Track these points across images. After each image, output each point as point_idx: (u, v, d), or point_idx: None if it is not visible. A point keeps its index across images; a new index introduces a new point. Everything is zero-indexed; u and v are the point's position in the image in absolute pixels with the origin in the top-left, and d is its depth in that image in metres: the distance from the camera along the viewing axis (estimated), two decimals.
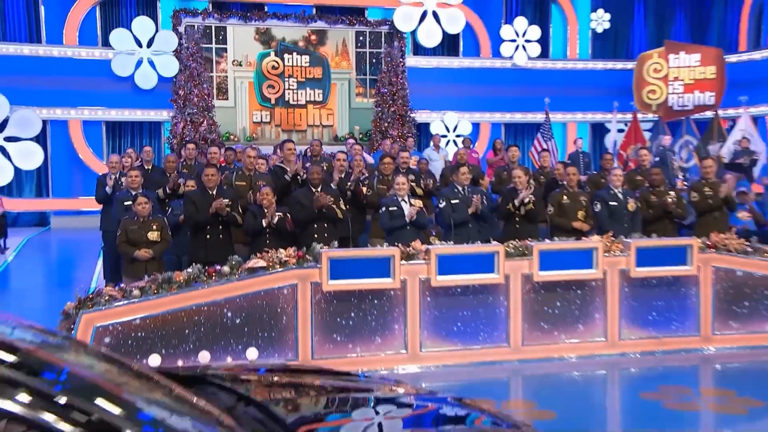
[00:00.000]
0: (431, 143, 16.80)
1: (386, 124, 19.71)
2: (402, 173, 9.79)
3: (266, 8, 20.27)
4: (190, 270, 7.52)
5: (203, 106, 18.99)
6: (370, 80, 20.57)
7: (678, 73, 20.06)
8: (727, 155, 15.97)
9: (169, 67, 19.20)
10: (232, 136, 19.02)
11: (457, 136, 20.12)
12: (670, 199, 10.38)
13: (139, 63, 19.15)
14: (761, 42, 22.68)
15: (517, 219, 10.02)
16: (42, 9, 19.39)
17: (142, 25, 19.14)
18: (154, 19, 19.61)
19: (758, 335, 8.91)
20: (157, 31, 19.30)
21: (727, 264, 8.97)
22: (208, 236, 9.07)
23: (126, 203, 9.49)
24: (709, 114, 19.23)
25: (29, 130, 17.57)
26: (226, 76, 19.85)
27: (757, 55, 22.19)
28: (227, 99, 19.84)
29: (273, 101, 19.95)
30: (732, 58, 21.53)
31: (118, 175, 10.62)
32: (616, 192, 10.18)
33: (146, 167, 11.60)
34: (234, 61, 19.86)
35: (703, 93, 19.87)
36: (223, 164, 10.99)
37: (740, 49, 22.94)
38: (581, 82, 22.23)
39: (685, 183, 12.27)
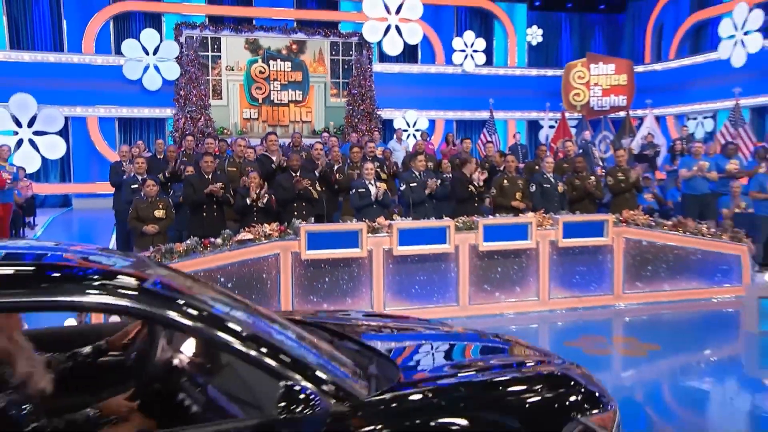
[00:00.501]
0: (394, 136, 16.79)
1: (356, 120, 19.77)
2: (369, 160, 9.78)
3: (254, 22, 20.22)
4: (188, 242, 7.51)
5: (201, 104, 19.01)
6: (343, 83, 20.54)
7: (597, 80, 20.23)
8: (636, 148, 16.16)
9: (172, 71, 19.12)
10: (225, 131, 18.93)
11: (416, 130, 20.13)
12: (591, 183, 10.49)
13: (146, 68, 19.08)
14: (662, 56, 23.01)
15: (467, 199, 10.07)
16: (64, 23, 19.30)
17: (149, 36, 19.10)
18: (159, 31, 19.54)
19: (658, 293, 9.07)
20: (161, 41, 19.22)
21: (635, 235, 9.08)
22: (204, 214, 9.03)
23: (133, 186, 9.50)
24: (621, 114, 19.46)
25: (54, 125, 17.68)
26: (220, 79, 19.73)
27: (658, 66, 22.78)
28: (221, 99, 19.72)
29: (260, 101, 19.89)
30: (639, 69, 21.80)
31: (127, 162, 10.65)
32: (547, 176, 10.28)
33: (158, 156, 11.73)
34: (227, 66, 19.76)
35: (617, 96, 20.07)
36: (216, 153, 10.94)
37: (646, 61, 23.35)
38: (519, 86, 22.34)
39: (603, 170, 12.37)
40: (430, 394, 2.65)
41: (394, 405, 2.53)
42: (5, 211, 11.80)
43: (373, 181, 9.22)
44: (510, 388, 2.89)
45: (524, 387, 2.93)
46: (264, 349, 2.43)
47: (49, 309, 2.43)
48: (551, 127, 19.87)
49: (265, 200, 8.87)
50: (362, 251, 7.93)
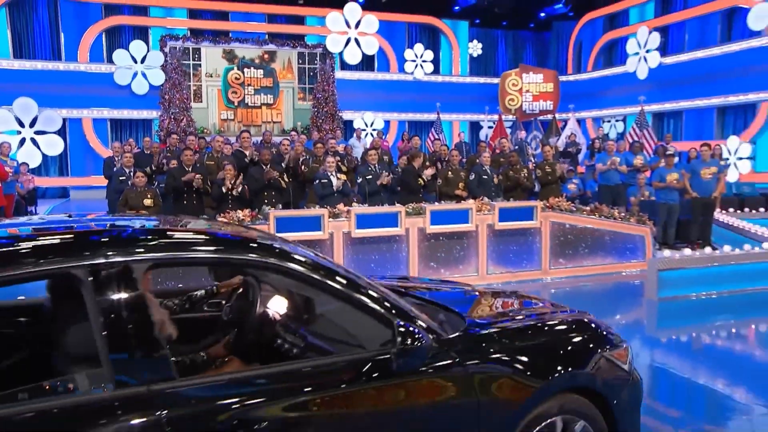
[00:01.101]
0: (354, 135, 16.78)
1: (320, 121, 19.75)
2: (330, 155, 9.77)
3: (231, 34, 20.05)
4: None
5: (183, 107, 18.89)
6: (309, 88, 20.43)
7: (528, 87, 20.45)
8: (561, 145, 16.33)
9: (158, 78, 18.88)
10: (205, 130, 18.72)
11: (373, 129, 20.09)
12: (523, 175, 10.61)
13: (134, 75, 18.79)
14: (581, 68, 23.31)
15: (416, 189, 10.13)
16: (62, 35, 18.98)
17: (137, 46, 18.81)
18: (146, 42, 19.22)
19: (578, 268, 9.28)
20: (148, 51, 18.94)
21: (559, 219, 9.25)
22: (185, 202, 8.94)
23: (121, 178, 9.48)
24: (549, 116, 19.65)
25: (53, 125, 17.24)
26: (201, 85, 19.49)
27: (579, 77, 23.11)
28: (201, 102, 19.49)
29: (236, 103, 19.71)
30: (563, 78, 22.09)
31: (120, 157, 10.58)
32: (485, 169, 10.37)
33: (147, 152, 11.57)
34: (206, 73, 19.53)
35: (545, 101, 20.32)
36: (197, 149, 10.85)
37: (568, 72, 23.64)
38: (462, 92, 22.44)
39: (534, 164, 12.51)
40: (491, 334, 3.01)
41: (467, 341, 2.87)
42: (8, 200, 11.67)
43: (334, 173, 9.22)
44: (547, 330, 3.24)
45: (558, 329, 3.28)
46: (377, 300, 2.74)
47: (224, 265, 3.14)
48: (490, 127, 19.96)
49: (239, 189, 8.83)
50: (324, 234, 7.96)
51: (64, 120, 18.20)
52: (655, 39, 19.52)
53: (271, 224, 7.60)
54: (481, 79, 23.10)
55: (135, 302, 2.23)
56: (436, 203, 9.25)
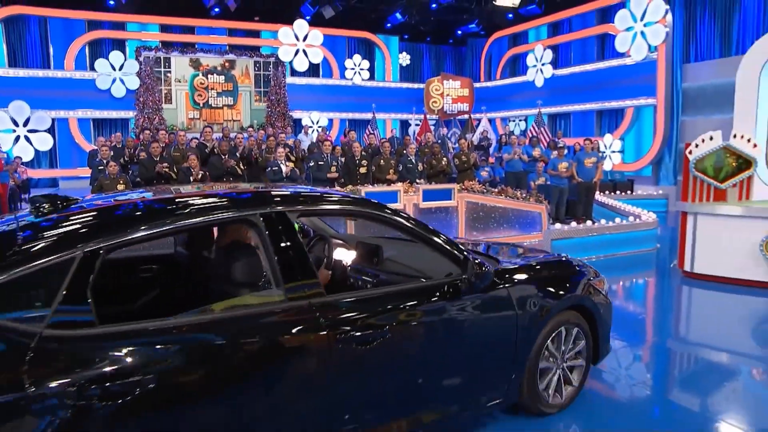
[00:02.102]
0: (302, 131, 16.62)
1: (274, 119, 19.41)
2: (281, 147, 9.68)
3: (196, 46, 19.44)
4: None
5: (155, 108, 18.31)
6: (264, 91, 20.00)
7: (449, 92, 20.54)
8: (475, 140, 16.56)
9: (134, 83, 18.24)
10: (174, 127, 18.15)
11: (319, 126, 19.97)
12: (444, 163, 10.73)
13: (113, 81, 18.12)
14: (491, 77, 23.61)
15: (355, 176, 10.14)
16: (51, 47, 18.11)
17: (116, 56, 18.16)
18: (123, 52, 18.52)
19: (489, 239, 9.25)
20: (125, 60, 18.26)
21: (473, 199, 9.38)
22: (154, 188, 8.79)
23: (99, 168, 9.22)
24: (465, 116, 19.85)
25: (43, 125, 17.13)
26: (171, 89, 18.85)
27: (489, 84, 23.20)
28: (171, 103, 18.88)
29: (201, 105, 19.15)
30: (477, 85, 22.23)
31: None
32: (411, 158, 10.43)
33: (116, 146, 11.21)
34: (176, 79, 18.90)
35: (462, 104, 20.46)
36: (167, 143, 10.61)
37: (481, 80, 23.78)
38: (393, 95, 22.37)
39: (453, 154, 12.65)
40: (517, 269, 3.47)
41: (504, 273, 3.34)
42: (3, 189, 11.25)
43: (284, 161, 9.14)
44: (550, 265, 3.80)
45: (556, 264, 3.87)
46: (452, 243, 3.18)
47: (345, 215, 3.90)
48: (417, 124, 20.08)
49: (200, 176, 8.70)
50: None
51: (53, 120, 17.58)
52: (549, 55, 19.96)
53: None
54: (409, 85, 23.12)
55: (292, 239, 2.59)
56: (370, 186, 9.25)
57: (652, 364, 4.81)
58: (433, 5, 19.89)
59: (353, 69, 21.68)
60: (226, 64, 19.50)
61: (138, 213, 2.40)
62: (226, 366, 2.25)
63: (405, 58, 24.07)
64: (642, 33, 16.38)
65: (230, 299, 2.48)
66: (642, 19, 16.29)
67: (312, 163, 9.64)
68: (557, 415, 3.63)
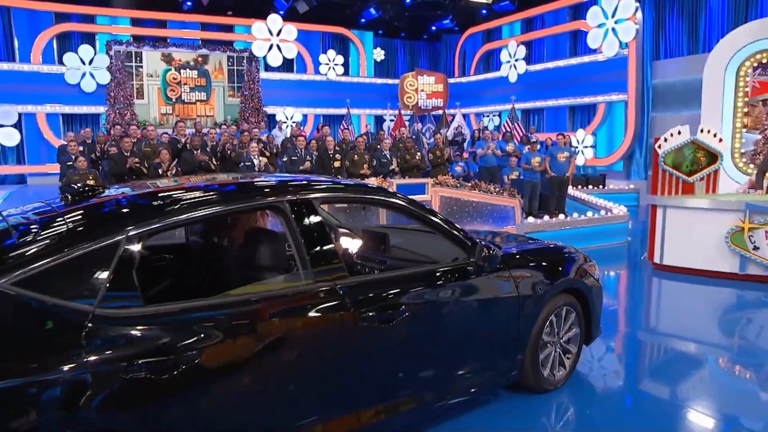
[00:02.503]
0: (276, 126, 16.51)
1: (248, 114, 19.25)
2: (254, 141, 9.62)
3: (168, 40, 19.10)
4: None
5: (127, 103, 18.00)
6: (237, 87, 19.79)
7: (423, 87, 20.57)
8: (450, 135, 16.61)
9: (104, 77, 17.89)
10: (147, 123, 17.91)
11: (293, 122, 19.85)
12: (418, 158, 10.76)
13: (83, 75, 17.73)
14: (465, 72, 23.71)
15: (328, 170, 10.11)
16: (15, 40, 17.59)
17: (85, 50, 17.78)
18: (93, 46, 18.16)
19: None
20: (95, 54, 17.90)
21: (447, 194, 9.41)
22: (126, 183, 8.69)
23: (68, 163, 9.04)
24: (440, 111, 19.92)
25: (10, 119, 16.71)
26: (143, 84, 18.54)
27: (463, 80, 23.28)
28: (143, 98, 18.56)
29: (174, 100, 18.88)
30: (451, 80, 22.35)
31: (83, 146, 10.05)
32: (385, 153, 10.45)
33: (87, 141, 11.00)
34: (147, 74, 18.60)
35: (437, 99, 20.51)
36: (139, 138, 10.46)
37: (455, 75, 23.87)
38: (368, 91, 22.34)
39: (428, 149, 12.68)
40: (518, 254, 3.75)
41: (507, 258, 3.58)
42: None
43: (257, 156, 9.09)
44: (546, 251, 4.07)
45: (551, 250, 4.12)
46: (461, 231, 3.45)
47: (364, 203, 4.52)
48: (391, 120, 20.11)
49: (172, 171, 8.60)
50: None
51: (20, 115, 17.11)
52: (522, 51, 20.13)
53: None
54: (384, 80, 23.09)
55: (317, 224, 2.78)
56: (399, 178, 9.33)
57: (624, 355, 4.90)
58: (407, 1, 19.91)
59: (328, 64, 21.59)
60: (199, 59, 19.27)
61: (176, 200, 2.57)
62: (261, 342, 2.45)
63: (379, 54, 24.05)
64: (613, 30, 16.61)
65: (261, 282, 2.78)
66: (613, 16, 16.52)
67: (285, 158, 9.60)
68: (553, 393, 3.88)
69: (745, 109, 12.55)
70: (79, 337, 2.02)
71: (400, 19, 22.12)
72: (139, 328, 2.16)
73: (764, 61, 12.27)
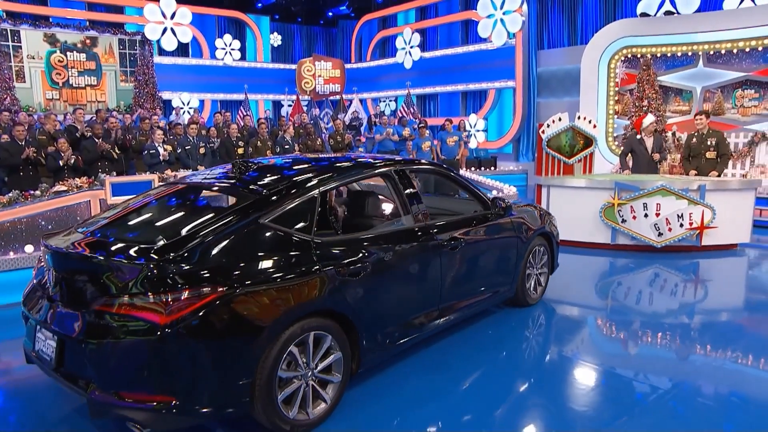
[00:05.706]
0: (173, 112, 16.00)
1: (142, 100, 18.31)
2: (157, 129, 9.33)
3: (51, 19, 17.80)
4: (10, 195, 6.76)
5: (5, 86, 16.48)
6: (130, 71, 18.76)
7: (321, 73, 20.66)
8: (347, 120, 16.83)
9: None
10: (30, 108, 16.67)
11: (190, 108, 19.27)
12: (318, 143, 10.86)
13: None
14: (362, 58, 23.93)
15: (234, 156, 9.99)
16: None
17: None
18: None
19: None
20: None
21: None
22: (21, 174, 8.16)
23: None
24: (337, 97, 20.07)
25: None
26: (23, 66, 17.11)
27: (360, 65, 23.46)
28: (25, 82, 17.17)
29: (60, 84, 17.61)
30: (348, 66, 22.56)
31: None
32: (287, 139, 10.49)
33: None
34: (28, 55, 17.17)
35: (334, 84, 20.68)
36: (29, 124, 9.81)
37: (352, 61, 24.01)
38: (265, 76, 22.02)
39: (327, 134, 12.81)
40: (509, 206, 5.16)
41: (504, 208, 5.09)
42: None
43: (161, 144, 8.86)
44: (528, 206, 5.63)
45: (531, 206, 5.68)
46: (483, 193, 5.09)
47: (427, 173, 5.08)
48: (289, 105, 20.04)
49: (71, 161, 8.21)
50: None
51: None
52: (417, 38, 20.64)
53: (107, 189, 7.18)
54: (282, 66, 22.86)
55: (412, 185, 4.24)
56: None
57: (515, 319, 5.36)
58: None
59: (224, 49, 21.05)
60: (87, 41, 18.11)
61: (339, 168, 3.88)
62: (399, 258, 3.82)
63: (276, 39, 23.74)
64: (502, 20, 17.44)
65: (387, 223, 4.31)
66: (501, 8, 17.34)
67: (180, 150, 9.38)
68: (533, 306, 5.61)
69: (616, 98, 13.69)
70: (311, 253, 3.28)
71: (296, 4, 21.94)
72: (339, 247, 3.47)
73: (629, 55, 13.46)
